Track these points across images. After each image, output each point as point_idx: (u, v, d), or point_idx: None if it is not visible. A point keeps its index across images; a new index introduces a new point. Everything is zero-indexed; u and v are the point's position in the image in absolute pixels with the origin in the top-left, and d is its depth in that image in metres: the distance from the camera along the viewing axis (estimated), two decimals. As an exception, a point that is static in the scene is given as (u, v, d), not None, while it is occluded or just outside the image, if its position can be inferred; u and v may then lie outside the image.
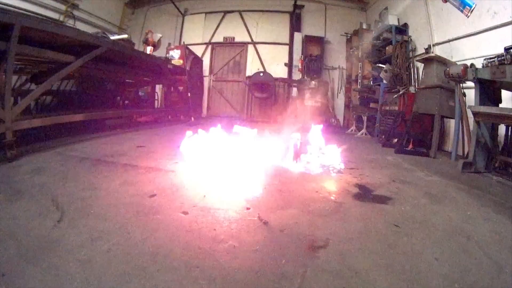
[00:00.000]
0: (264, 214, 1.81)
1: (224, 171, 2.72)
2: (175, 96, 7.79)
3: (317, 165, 3.19)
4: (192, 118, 7.35)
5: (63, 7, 7.25)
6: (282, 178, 2.73)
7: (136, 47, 7.21)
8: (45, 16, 6.33)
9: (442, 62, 4.73)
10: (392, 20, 7.19)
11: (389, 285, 1.23)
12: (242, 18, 9.77)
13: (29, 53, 3.25)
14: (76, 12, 7.58)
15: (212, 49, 9.92)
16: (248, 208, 1.89)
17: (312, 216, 1.84)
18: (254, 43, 9.66)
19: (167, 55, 7.32)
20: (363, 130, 7.08)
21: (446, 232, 1.76)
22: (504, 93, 3.75)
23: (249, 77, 8.78)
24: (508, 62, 3.17)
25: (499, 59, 3.33)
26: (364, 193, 2.41)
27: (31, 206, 1.78)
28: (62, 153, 3.19)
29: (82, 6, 7.76)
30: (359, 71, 8.27)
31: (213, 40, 9.87)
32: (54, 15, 6.94)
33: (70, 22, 7.21)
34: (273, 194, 2.26)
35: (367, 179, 2.83)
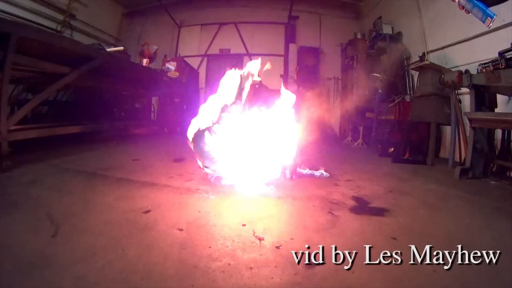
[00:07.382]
0: (259, 231, 1.78)
1: (219, 185, 2.71)
2: (171, 108, 7.78)
3: (310, 177, 3.19)
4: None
5: (60, 17, 7.27)
6: (277, 191, 2.71)
7: (132, 59, 7.24)
8: (42, 25, 6.32)
9: (437, 69, 4.76)
10: (386, 29, 7.29)
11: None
12: (237, 30, 9.86)
13: (26, 64, 3.25)
14: (73, 22, 7.59)
15: (208, 61, 9.97)
16: (243, 225, 1.86)
17: (308, 232, 1.82)
18: (249, 55, 9.70)
19: (163, 67, 7.34)
20: (359, 140, 7.09)
21: (445, 243, 1.72)
22: (499, 97, 3.78)
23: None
24: (503, 67, 3.19)
25: (493, 64, 3.35)
26: (361, 206, 2.38)
27: (25, 219, 1.76)
28: (57, 165, 3.16)
29: (79, 16, 7.78)
30: (354, 80, 8.31)
31: (209, 52, 9.93)
32: (52, 24, 6.95)
33: (67, 32, 7.21)
34: (268, 209, 2.24)
35: (364, 191, 2.80)
